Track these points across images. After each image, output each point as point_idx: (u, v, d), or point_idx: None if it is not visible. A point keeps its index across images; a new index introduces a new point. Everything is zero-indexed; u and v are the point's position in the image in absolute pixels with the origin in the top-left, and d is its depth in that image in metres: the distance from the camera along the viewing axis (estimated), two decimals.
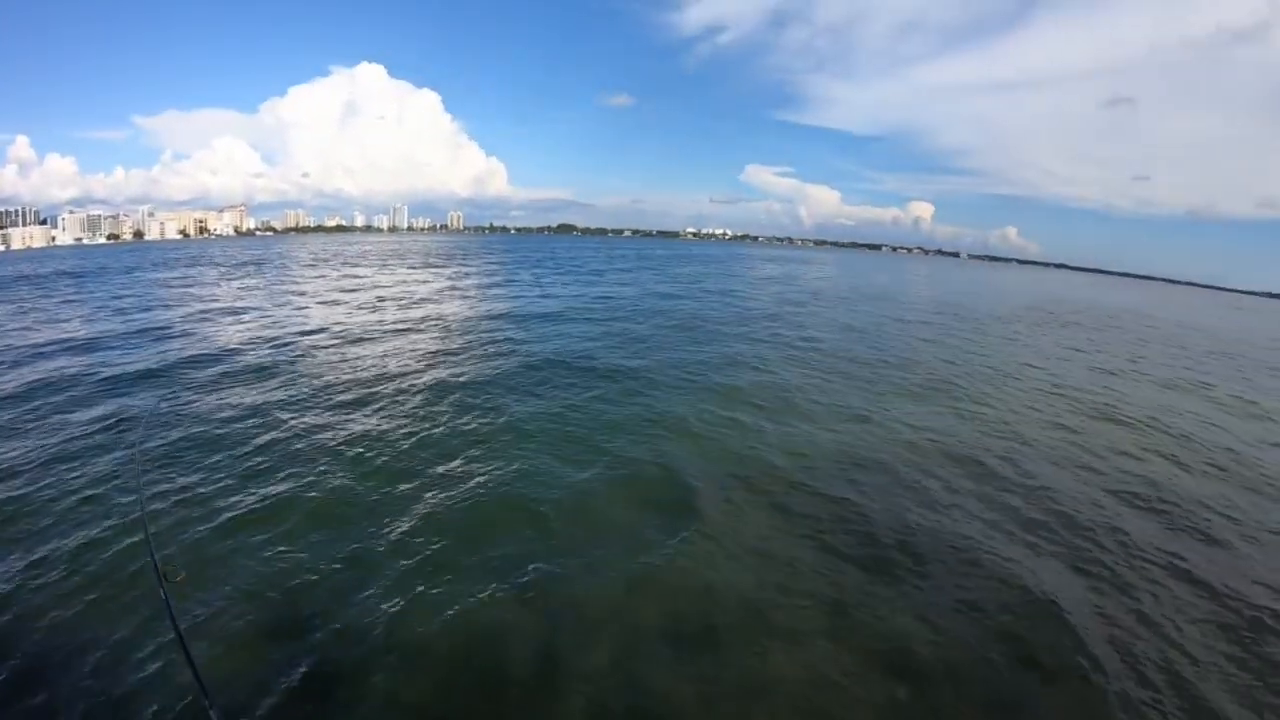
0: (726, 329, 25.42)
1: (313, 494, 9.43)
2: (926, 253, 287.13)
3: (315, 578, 7.39)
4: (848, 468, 11.00)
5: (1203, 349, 32.66)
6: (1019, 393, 17.53)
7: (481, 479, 10.16)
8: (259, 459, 10.67)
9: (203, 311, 26.02)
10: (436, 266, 57.69)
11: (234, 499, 9.09)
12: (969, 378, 18.61)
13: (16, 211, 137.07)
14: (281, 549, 7.95)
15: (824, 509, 9.42)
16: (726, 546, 8.37)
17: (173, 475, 9.75)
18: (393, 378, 15.76)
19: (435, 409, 13.58)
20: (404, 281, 42.35)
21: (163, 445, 11.05)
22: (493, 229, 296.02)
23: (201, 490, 9.33)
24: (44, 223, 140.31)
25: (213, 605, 6.79)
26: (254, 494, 9.33)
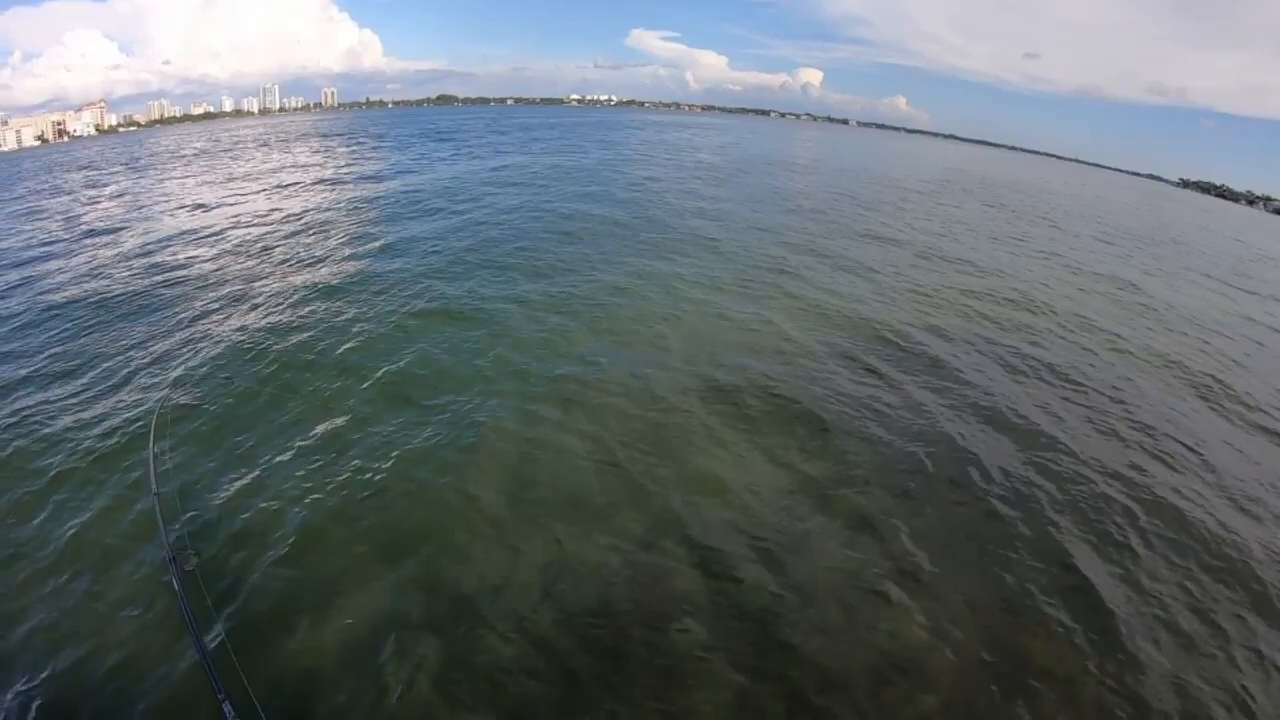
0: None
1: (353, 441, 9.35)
2: (815, 119, 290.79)
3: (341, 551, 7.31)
4: None
5: None
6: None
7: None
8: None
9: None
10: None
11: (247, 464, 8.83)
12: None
13: None
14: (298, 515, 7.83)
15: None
16: None
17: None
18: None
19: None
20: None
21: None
22: (370, 104, 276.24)
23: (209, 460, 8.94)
24: None
25: (227, 590, 6.65)
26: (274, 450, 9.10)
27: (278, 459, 8.87)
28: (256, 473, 8.59)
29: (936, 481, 9.20)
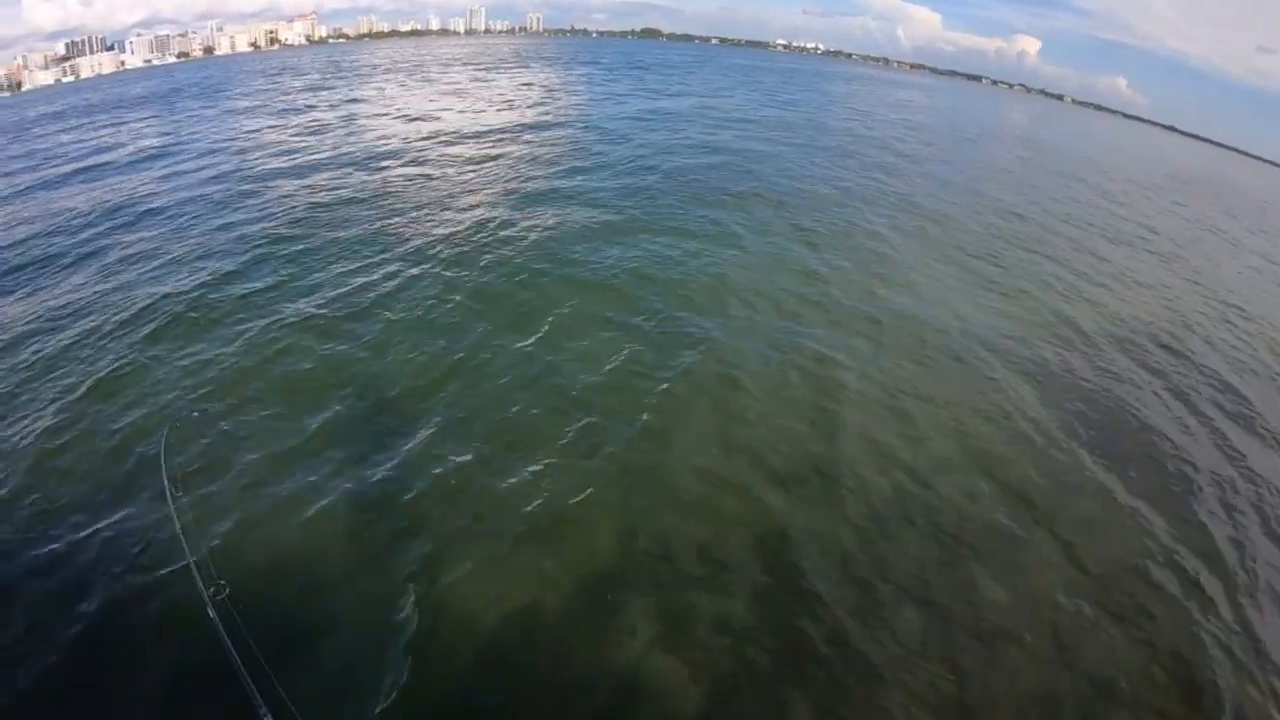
0: None
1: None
2: (1029, 90, 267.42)
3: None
4: None
5: None
6: None
7: None
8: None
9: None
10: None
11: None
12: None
13: (83, 41, 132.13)
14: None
15: None
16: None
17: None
18: None
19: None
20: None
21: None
22: (574, 31, 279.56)
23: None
24: (110, 48, 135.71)
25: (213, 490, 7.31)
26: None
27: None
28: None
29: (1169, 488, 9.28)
